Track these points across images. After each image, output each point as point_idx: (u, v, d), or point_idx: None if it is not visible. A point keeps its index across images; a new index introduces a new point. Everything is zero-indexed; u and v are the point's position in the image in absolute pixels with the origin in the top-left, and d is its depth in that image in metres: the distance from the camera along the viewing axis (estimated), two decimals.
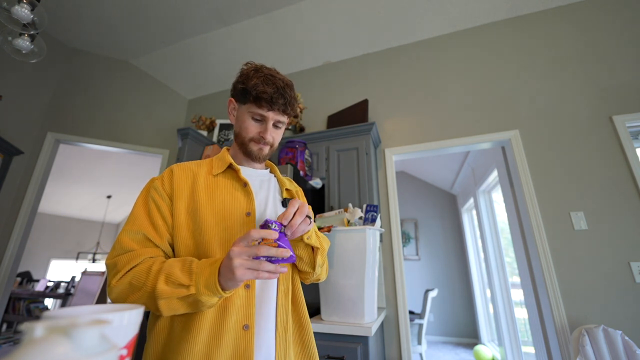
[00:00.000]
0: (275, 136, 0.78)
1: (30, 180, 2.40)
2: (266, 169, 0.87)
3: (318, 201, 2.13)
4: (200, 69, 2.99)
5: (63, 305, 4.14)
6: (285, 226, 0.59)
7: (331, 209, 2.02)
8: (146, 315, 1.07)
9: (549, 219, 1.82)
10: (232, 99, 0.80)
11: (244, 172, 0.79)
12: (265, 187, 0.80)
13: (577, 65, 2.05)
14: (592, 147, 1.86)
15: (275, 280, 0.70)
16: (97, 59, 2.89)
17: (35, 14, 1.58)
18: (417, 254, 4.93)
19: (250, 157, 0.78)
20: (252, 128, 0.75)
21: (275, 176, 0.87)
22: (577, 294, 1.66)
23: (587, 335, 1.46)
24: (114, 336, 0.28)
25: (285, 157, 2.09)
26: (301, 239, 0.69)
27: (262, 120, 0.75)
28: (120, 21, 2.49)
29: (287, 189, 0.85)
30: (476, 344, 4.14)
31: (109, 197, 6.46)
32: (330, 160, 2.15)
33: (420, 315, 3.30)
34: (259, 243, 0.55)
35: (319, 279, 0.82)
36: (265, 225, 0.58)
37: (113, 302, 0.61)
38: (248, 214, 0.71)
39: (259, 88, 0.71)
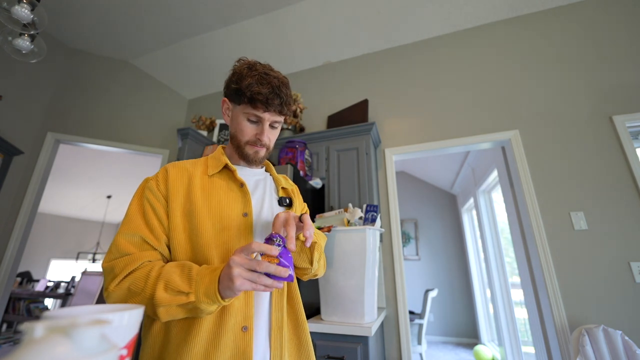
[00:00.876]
0: (272, 137, 0.77)
1: (30, 180, 2.40)
2: (262, 167, 0.86)
3: (318, 201, 2.13)
4: (200, 69, 2.99)
5: (63, 305, 4.14)
6: (285, 239, 0.59)
7: (331, 209, 2.02)
8: None
9: (549, 219, 1.82)
10: (226, 99, 0.78)
11: (240, 171, 0.78)
12: (261, 186, 0.79)
13: (577, 65, 2.05)
14: (592, 147, 1.86)
15: None
16: (97, 59, 2.89)
17: (35, 14, 1.58)
18: (417, 254, 4.93)
19: (247, 160, 0.77)
20: (247, 130, 0.74)
21: (271, 175, 0.86)
22: (577, 294, 1.66)
23: (587, 335, 1.46)
24: (114, 336, 0.28)
25: (285, 157, 2.09)
26: (297, 236, 0.68)
27: (258, 121, 0.73)
28: (120, 21, 2.49)
29: (283, 188, 0.84)
30: (476, 344, 4.14)
31: (109, 197, 6.46)
32: (330, 160, 2.15)
33: (420, 315, 3.30)
34: (259, 255, 0.54)
35: (317, 275, 0.81)
36: (270, 239, 0.57)
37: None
38: (245, 215, 0.70)
39: (254, 88, 0.68)
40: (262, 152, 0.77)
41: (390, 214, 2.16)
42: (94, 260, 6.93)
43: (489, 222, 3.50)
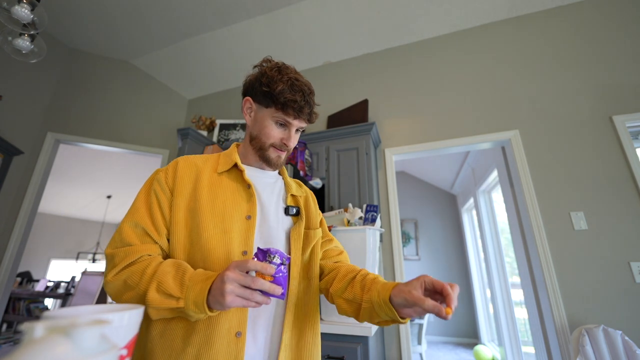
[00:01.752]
0: (295, 142, 0.77)
1: (30, 180, 2.40)
2: (275, 170, 0.83)
3: (318, 201, 2.12)
4: (200, 69, 2.99)
5: (63, 305, 4.14)
6: (289, 258, 0.56)
7: (331, 209, 2.02)
8: None
9: (549, 219, 1.82)
10: (250, 99, 0.76)
11: (250, 172, 0.77)
12: (269, 190, 0.77)
13: (577, 65, 2.05)
14: (593, 147, 1.86)
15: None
16: (97, 59, 2.89)
17: (35, 14, 1.58)
18: (417, 254, 4.93)
19: (268, 163, 0.75)
20: (274, 133, 0.73)
21: (283, 179, 0.84)
22: (577, 294, 1.66)
23: (587, 335, 1.46)
24: (114, 336, 0.28)
25: None
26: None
27: (286, 126, 0.73)
28: (120, 21, 2.49)
29: (292, 195, 0.80)
30: (476, 344, 4.14)
31: (109, 197, 6.46)
32: (330, 160, 2.15)
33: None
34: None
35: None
36: (264, 255, 0.54)
37: (109, 295, 0.62)
38: (248, 217, 0.69)
39: (287, 96, 0.69)
40: (284, 156, 0.76)
41: (390, 214, 2.16)
42: (94, 260, 6.93)
43: (489, 222, 3.50)
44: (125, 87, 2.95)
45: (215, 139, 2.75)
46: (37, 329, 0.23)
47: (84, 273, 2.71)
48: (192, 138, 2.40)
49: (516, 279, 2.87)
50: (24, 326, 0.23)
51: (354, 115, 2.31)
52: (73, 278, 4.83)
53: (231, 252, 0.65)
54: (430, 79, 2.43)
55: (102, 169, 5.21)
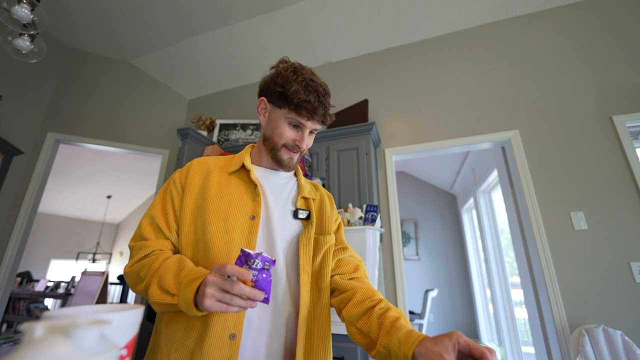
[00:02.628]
0: (309, 143, 0.76)
1: (30, 180, 2.40)
2: (290, 171, 0.81)
3: None
4: (201, 69, 2.99)
5: (63, 305, 4.13)
6: (274, 262, 0.54)
7: None
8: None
9: (549, 219, 1.82)
10: (265, 99, 0.75)
11: (261, 173, 0.77)
12: (278, 191, 0.76)
13: (577, 65, 2.05)
14: (592, 147, 1.86)
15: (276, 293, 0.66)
16: (97, 59, 2.89)
17: (35, 14, 1.58)
18: (417, 254, 4.93)
19: (280, 164, 0.75)
20: (287, 134, 0.72)
21: (297, 180, 0.82)
22: (577, 294, 1.66)
23: (587, 335, 1.46)
24: (114, 336, 0.28)
25: None
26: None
27: (299, 127, 0.72)
28: (120, 21, 2.49)
29: (304, 197, 0.78)
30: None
31: (109, 197, 6.46)
32: (330, 160, 2.15)
33: (421, 315, 3.30)
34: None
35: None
36: (247, 258, 0.52)
37: (128, 284, 0.67)
38: (252, 218, 0.69)
39: (301, 96, 0.68)
40: (296, 157, 0.76)
41: (390, 214, 2.16)
42: (94, 260, 6.93)
43: (489, 222, 3.50)
44: (126, 87, 2.95)
45: (215, 139, 2.75)
46: (37, 329, 0.23)
47: (84, 273, 2.71)
48: (192, 138, 2.40)
49: (516, 279, 2.87)
50: (24, 326, 0.23)
51: (354, 115, 2.31)
52: (73, 278, 4.83)
53: (231, 251, 0.65)
54: (430, 79, 2.43)
55: (102, 169, 5.21)
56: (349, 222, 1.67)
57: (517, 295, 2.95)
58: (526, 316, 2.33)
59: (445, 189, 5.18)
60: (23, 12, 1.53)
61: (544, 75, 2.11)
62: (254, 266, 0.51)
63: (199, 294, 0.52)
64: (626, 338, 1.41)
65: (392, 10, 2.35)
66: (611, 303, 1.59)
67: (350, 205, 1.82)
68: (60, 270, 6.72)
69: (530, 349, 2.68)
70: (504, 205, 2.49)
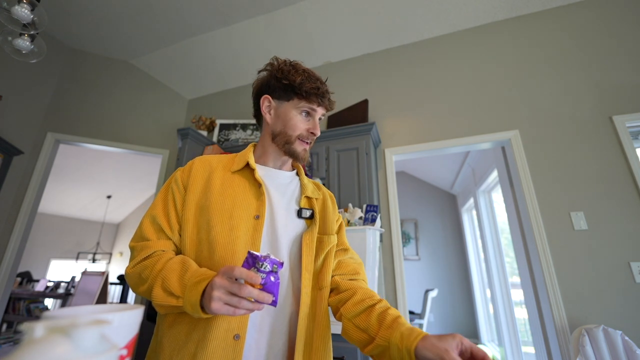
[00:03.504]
0: (319, 131, 0.78)
1: (30, 180, 2.40)
2: (292, 170, 0.83)
3: None
4: (201, 69, 2.99)
5: (63, 305, 4.13)
6: (282, 264, 0.54)
7: None
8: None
9: (549, 219, 1.82)
10: (268, 97, 0.76)
11: (264, 172, 0.76)
12: (281, 190, 0.76)
13: (577, 65, 2.05)
14: (592, 147, 1.86)
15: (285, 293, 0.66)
16: (97, 59, 2.89)
17: (35, 14, 1.58)
18: (417, 254, 4.93)
19: (296, 157, 0.76)
20: (300, 124, 0.74)
21: (300, 180, 0.82)
22: (577, 294, 1.66)
23: (587, 335, 1.46)
24: (114, 336, 0.28)
25: None
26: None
27: (310, 115, 0.75)
28: (120, 21, 2.49)
29: (307, 197, 0.77)
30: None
31: (109, 197, 6.46)
32: (330, 160, 2.15)
33: (421, 316, 3.30)
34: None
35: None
36: (254, 261, 0.52)
37: (129, 286, 0.66)
38: (257, 217, 0.68)
39: (308, 85, 0.71)
40: (308, 148, 0.78)
41: (390, 214, 2.16)
42: (94, 260, 6.93)
43: (489, 222, 3.50)
44: (126, 87, 2.95)
45: (215, 139, 2.75)
46: (37, 329, 0.23)
47: (84, 273, 2.71)
48: (192, 138, 2.40)
49: (516, 279, 2.87)
50: (24, 326, 0.23)
51: (354, 115, 2.31)
52: (73, 278, 4.83)
53: (236, 251, 0.64)
54: (430, 79, 2.43)
55: (102, 169, 5.21)
56: (349, 222, 1.67)
57: (517, 295, 2.95)
58: (526, 316, 2.33)
59: (445, 189, 5.18)
60: (23, 12, 1.53)
61: (544, 75, 2.11)
62: (262, 269, 0.51)
63: (205, 297, 0.51)
64: (626, 338, 1.41)
65: (392, 10, 2.35)
66: (611, 303, 1.59)
67: (350, 205, 1.82)
68: (60, 270, 6.72)
69: (530, 349, 2.68)
70: (504, 205, 2.49)
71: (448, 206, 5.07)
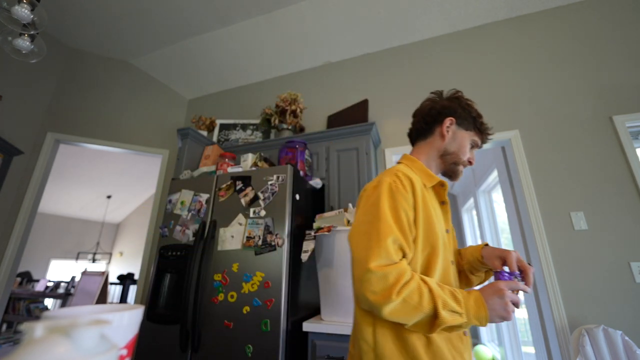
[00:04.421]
0: None
1: (30, 180, 2.40)
2: (454, 181, 0.94)
3: (318, 201, 2.13)
4: (200, 69, 2.99)
5: (63, 305, 4.13)
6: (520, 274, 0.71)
7: (331, 209, 2.02)
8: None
9: (549, 219, 1.82)
10: (453, 119, 0.86)
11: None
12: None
13: (577, 65, 2.05)
14: (592, 147, 1.86)
15: None
16: (97, 59, 2.89)
17: (35, 14, 1.58)
18: None
19: (455, 176, 0.87)
20: (468, 152, 0.86)
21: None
22: (577, 294, 1.66)
23: (587, 335, 1.46)
24: (114, 336, 0.28)
25: (285, 157, 2.09)
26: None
27: (473, 147, 0.88)
28: (120, 21, 2.49)
29: (442, 202, 0.86)
30: (476, 344, 4.13)
31: (109, 197, 6.46)
32: (330, 160, 2.15)
33: None
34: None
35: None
36: (510, 275, 0.69)
37: (387, 315, 0.62)
38: (447, 231, 0.79)
39: (486, 126, 0.87)
40: None
41: None
42: (94, 260, 6.94)
43: (489, 222, 3.50)
44: (125, 87, 2.95)
45: (215, 138, 2.74)
46: (37, 329, 0.23)
47: (84, 273, 2.71)
48: (192, 138, 2.40)
49: None
50: (24, 326, 0.23)
51: (354, 115, 2.31)
52: (73, 278, 4.83)
53: (448, 265, 0.74)
54: (430, 78, 2.43)
55: (102, 169, 5.21)
56: (349, 222, 1.67)
57: None
58: (526, 316, 2.33)
59: None
60: (23, 12, 1.53)
61: (544, 75, 2.11)
62: (508, 277, 0.70)
63: (492, 307, 0.62)
64: (626, 338, 1.41)
65: (392, 10, 2.35)
66: (611, 303, 1.59)
67: (350, 205, 1.81)
68: (60, 270, 6.72)
69: (530, 349, 2.68)
70: (504, 205, 2.49)
71: None
